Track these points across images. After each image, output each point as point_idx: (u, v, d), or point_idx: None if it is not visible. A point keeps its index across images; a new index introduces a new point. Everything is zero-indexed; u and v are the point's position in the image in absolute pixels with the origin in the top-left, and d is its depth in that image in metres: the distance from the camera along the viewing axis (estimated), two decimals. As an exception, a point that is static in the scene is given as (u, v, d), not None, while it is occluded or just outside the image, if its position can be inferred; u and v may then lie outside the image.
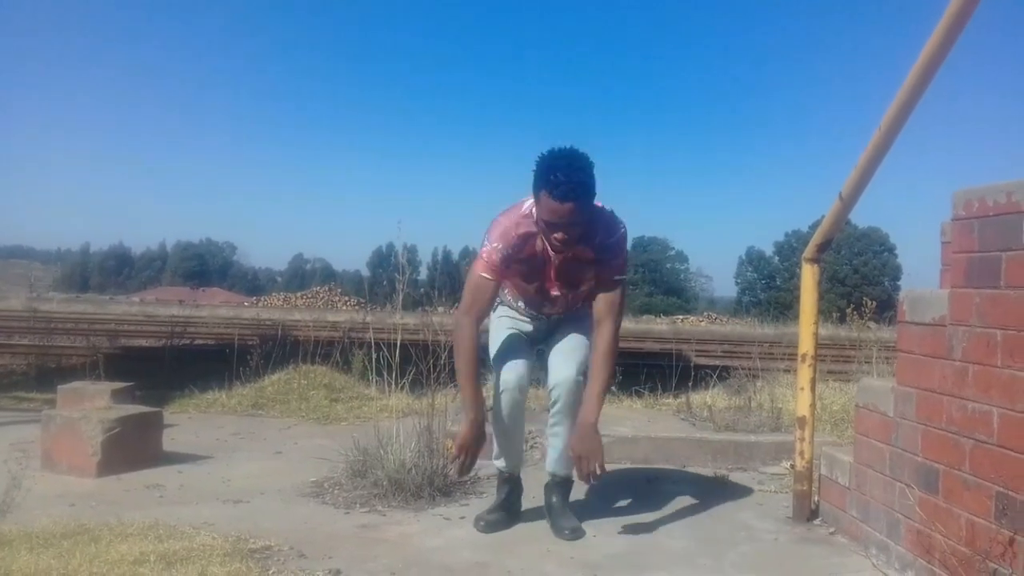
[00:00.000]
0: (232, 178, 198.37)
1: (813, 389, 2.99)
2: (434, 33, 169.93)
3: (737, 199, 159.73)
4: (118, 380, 4.96)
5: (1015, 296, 1.99)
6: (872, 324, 6.79)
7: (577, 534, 2.81)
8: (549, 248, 2.75)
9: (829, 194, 2.85)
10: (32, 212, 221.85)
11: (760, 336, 18.80)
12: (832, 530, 2.88)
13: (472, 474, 3.08)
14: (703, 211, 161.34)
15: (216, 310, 29.32)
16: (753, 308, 51.98)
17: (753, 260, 62.79)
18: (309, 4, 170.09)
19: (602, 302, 2.82)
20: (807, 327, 2.98)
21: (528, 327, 3.06)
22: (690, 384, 5.64)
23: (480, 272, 2.80)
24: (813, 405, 3.01)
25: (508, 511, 2.97)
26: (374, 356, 3.75)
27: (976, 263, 2.14)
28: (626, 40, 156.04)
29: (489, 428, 2.90)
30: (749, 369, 6.14)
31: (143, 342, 12.72)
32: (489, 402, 2.94)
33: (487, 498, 3.18)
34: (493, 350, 3.01)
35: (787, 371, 5.81)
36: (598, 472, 2.68)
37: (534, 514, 3.02)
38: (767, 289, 59.18)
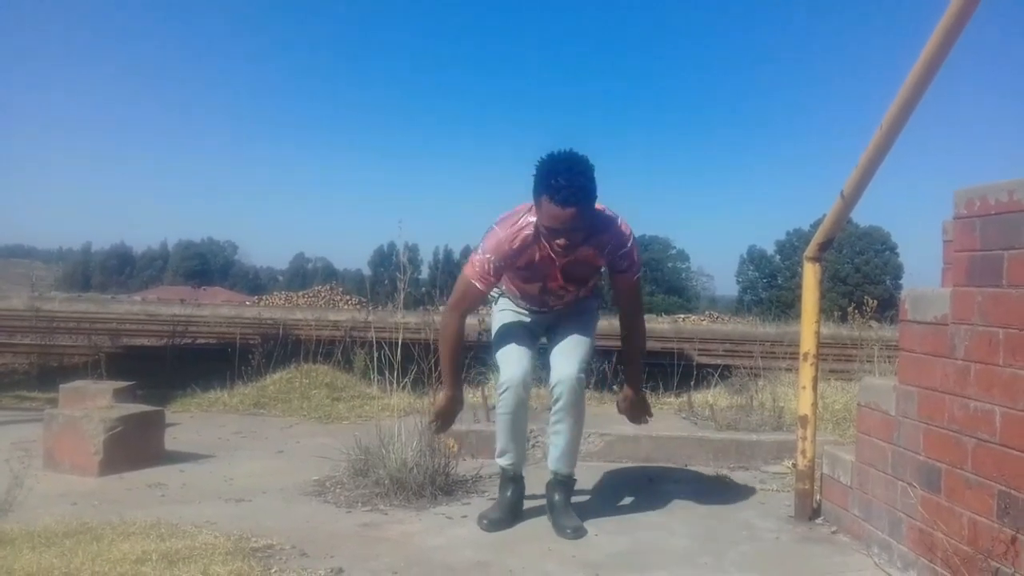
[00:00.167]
0: (233, 177, 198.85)
1: (815, 388, 2.99)
2: (434, 32, 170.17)
3: (738, 198, 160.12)
4: (120, 379, 4.96)
5: (1017, 295, 1.99)
6: (874, 323, 6.79)
7: (579, 533, 2.81)
8: (551, 252, 2.74)
9: (830, 193, 2.85)
10: (34, 211, 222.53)
11: (762, 335, 18.81)
12: (834, 529, 2.88)
13: (475, 473, 3.09)
14: (704, 210, 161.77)
15: (218, 309, 29.37)
16: (755, 307, 52.01)
17: (754, 259, 62.76)
18: (309, 4, 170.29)
19: (629, 303, 3.01)
20: (809, 326, 2.98)
21: (530, 318, 3.07)
22: (692, 383, 5.65)
23: (470, 278, 2.83)
24: (815, 404, 3.01)
25: (510, 510, 2.96)
26: (375, 355, 3.75)
27: (978, 262, 2.14)
28: (626, 40, 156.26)
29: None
30: (751, 368, 6.13)
31: (145, 341, 12.73)
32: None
33: (489, 497, 3.18)
34: (495, 345, 3.01)
35: (789, 370, 5.80)
36: (647, 420, 3.26)
37: (536, 513, 3.02)
38: (768, 288, 59.14)
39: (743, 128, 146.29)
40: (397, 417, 3.46)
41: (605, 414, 4.70)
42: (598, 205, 2.72)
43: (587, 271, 2.92)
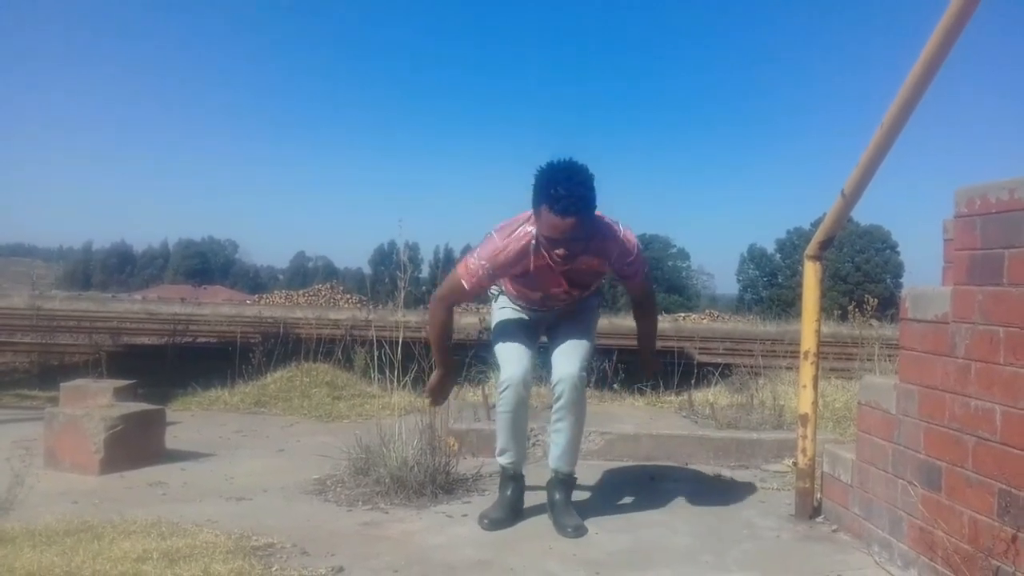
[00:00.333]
0: (234, 176, 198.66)
1: (815, 386, 2.99)
2: (435, 32, 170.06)
3: (738, 196, 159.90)
4: (121, 378, 4.95)
5: (1017, 293, 1.99)
6: (874, 321, 6.78)
7: (580, 531, 2.81)
8: (550, 262, 2.73)
9: (831, 191, 2.85)
10: (34, 210, 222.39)
11: (762, 334, 18.78)
12: (834, 527, 2.88)
13: (475, 472, 3.09)
14: (705, 209, 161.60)
15: (218, 308, 29.34)
16: (755, 306, 52.01)
17: (755, 257, 62.68)
18: (309, 4, 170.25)
19: (643, 299, 3.11)
20: (809, 324, 2.98)
21: (530, 316, 3.07)
22: (692, 382, 5.65)
23: (460, 278, 2.85)
24: (815, 402, 3.01)
25: (511, 508, 2.97)
26: (376, 354, 3.75)
27: (979, 260, 2.14)
28: (626, 40, 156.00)
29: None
30: (751, 367, 6.13)
31: (145, 340, 12.76)
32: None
33: (489, 495, 3.18)
34: (495, 344, 3.01)
35: (789, 368, 5.81)
36: (656, 370, 3.47)
37: (537, 511, 3.02)
38: (769, 287, 59.07)
39: (743, 127, 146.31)
40: (398, 416, 3.46)
41: (606, 412, 4.71)
42: (597, 213, 2.71)
43: (591, 277, 2.94)
